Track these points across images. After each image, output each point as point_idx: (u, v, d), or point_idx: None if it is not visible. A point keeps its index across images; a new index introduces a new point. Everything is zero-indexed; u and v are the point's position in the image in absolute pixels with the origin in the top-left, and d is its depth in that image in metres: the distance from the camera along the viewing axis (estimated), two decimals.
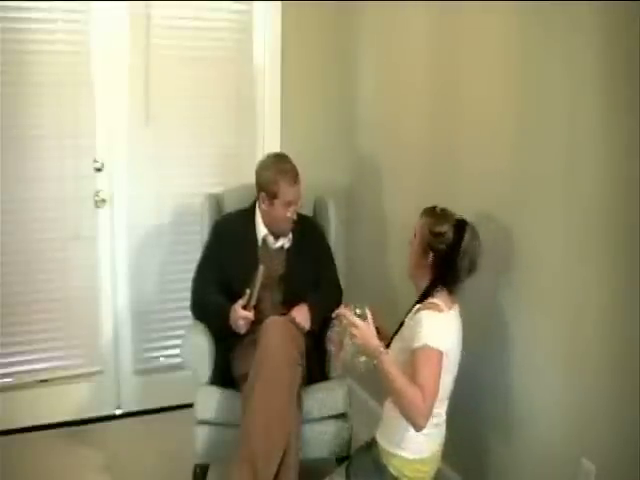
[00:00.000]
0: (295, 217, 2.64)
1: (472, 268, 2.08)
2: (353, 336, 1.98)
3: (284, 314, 2.51)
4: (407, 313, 2.13)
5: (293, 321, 2.48)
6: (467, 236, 2.05)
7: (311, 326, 2.53)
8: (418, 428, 1.94)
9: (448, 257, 2.06)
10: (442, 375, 1.97)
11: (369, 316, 2.01)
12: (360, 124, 3.35)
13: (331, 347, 2.28)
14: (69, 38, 2.98)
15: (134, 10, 3.01)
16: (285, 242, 2.69)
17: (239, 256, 2.60)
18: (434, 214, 2.12)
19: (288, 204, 2.59)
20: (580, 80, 1.93)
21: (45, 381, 3.11)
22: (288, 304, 2.59)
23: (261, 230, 2.67)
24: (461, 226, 2.07)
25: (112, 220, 3.13)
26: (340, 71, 3.38)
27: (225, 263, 2.62)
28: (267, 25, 3.23)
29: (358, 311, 2.04)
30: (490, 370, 2.35)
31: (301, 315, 2.52)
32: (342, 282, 2.80)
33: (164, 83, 3.12)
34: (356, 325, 1.99)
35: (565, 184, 2.01)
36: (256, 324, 2.43)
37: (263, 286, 2.46)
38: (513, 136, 2.24)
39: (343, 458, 2.41)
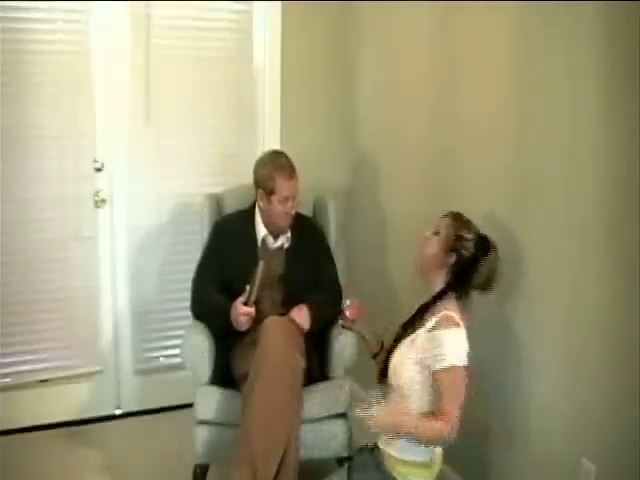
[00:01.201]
0: (293, 212, 2.64)
1: (486, 286, 2.06)
2: (373, 427, 1.93)
3: (284, 314, 2.51)
4: (416, 316, 2.09)
5: (292, 321, 2.48)
6: (491, 252, 2.05)
7: (311, 326, 2.52)
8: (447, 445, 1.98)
9: (467, 266, 2.04)
10: None
11: (378, 404, 1.93)
12: (360, 124, 3.35)
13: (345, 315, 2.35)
14: (69, 38, 2.98)
15: (134, 10, 3.01)
16: (284, 242, 2.69)
17: (239, 256, 2.60)
18: (461, 219, 2.11)
19: (285, 199, 2.58)
20: (582, 81, 1.93)
21: (45, 381, 3.10)
22: (288, 304, 2.58)
23: (261, 230, 2.67)
24: (485, 241, 2.07)
25: (112, 220, 3.13)
26: (340, 71, 3.38)
27: (225, 263, 2.62)
28: (267, 25, 3.23)
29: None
30: (490, 370, 2.35)
31: (300, 315, 2.51)
32: (342, 282, 2.79)
33: (164, 83, 3.12)
34: (371, 417, 1.91)
35: (565, 185, 2.01)
36: (256, 324, 2.43)
37: (263, 285, 2.45)
38: (513, 137, 2.24)
39: (343, 458, 2.41)
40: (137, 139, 3.12)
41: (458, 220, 2.10)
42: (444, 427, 1.89)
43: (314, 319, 2.53)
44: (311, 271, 2.67)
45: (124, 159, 3.11)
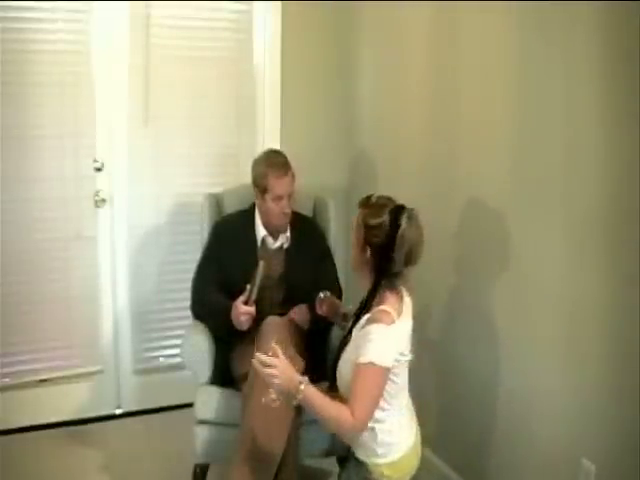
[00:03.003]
0: (289, 211, 2.62)
1: (409, 259, 1.92)
2: (272, 377, 1.83)
3: (283, 314, 2.51)
4: (355, 318, 2.03)
5: (292, 321, 2.48)
6: (403, 224, 1.88)
7: (310, 326, 2.52)
8: (349, 439, 1.97)
9: (385, 250, 1.90)
10: (391, 379, 1.91)
11: (279, 352, 1.87)
12: (360, 124, 3.35)
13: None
14: (70, 38, 2.98)
15: (134, 10, 3.02)
16: (284, 242, 2.69)
17: (239, 256, 2.60)
18: (369, 205, 1.96)
19: (279, 198, 2.56)
20: (579, 79, 1.93)
21: (45, 381, 3.10)
22: (288, 304, 2.58)
23: (260, 230, 2.67)
24: (397, 213, 1.90)
25: (112, 220, 3.13)
26: (340, 71, 3.38)
27: (225, 263, 2.62)
28: (267, 25, 3.23)
29: None
30: (490, 370, 2.35)
31: (300, 315, 2.52)
32: (342, 282, 2.79)
33: (164, 83, 3.12)
34: (273, 364, 1.83)
35: (564, 184, 2.01)
36: (256, 323, 2.42)
37: (263, 285, 2.45)
38: (513, 136, 2.24)
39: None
40: (137, 139, 3.12)
41: (366, 207, 1.95)
42: (349, 418, 1.82)
43: (314, 319, 2.53)
44: (311, 271, 2.67)
45: (124, 159, 3.11)
